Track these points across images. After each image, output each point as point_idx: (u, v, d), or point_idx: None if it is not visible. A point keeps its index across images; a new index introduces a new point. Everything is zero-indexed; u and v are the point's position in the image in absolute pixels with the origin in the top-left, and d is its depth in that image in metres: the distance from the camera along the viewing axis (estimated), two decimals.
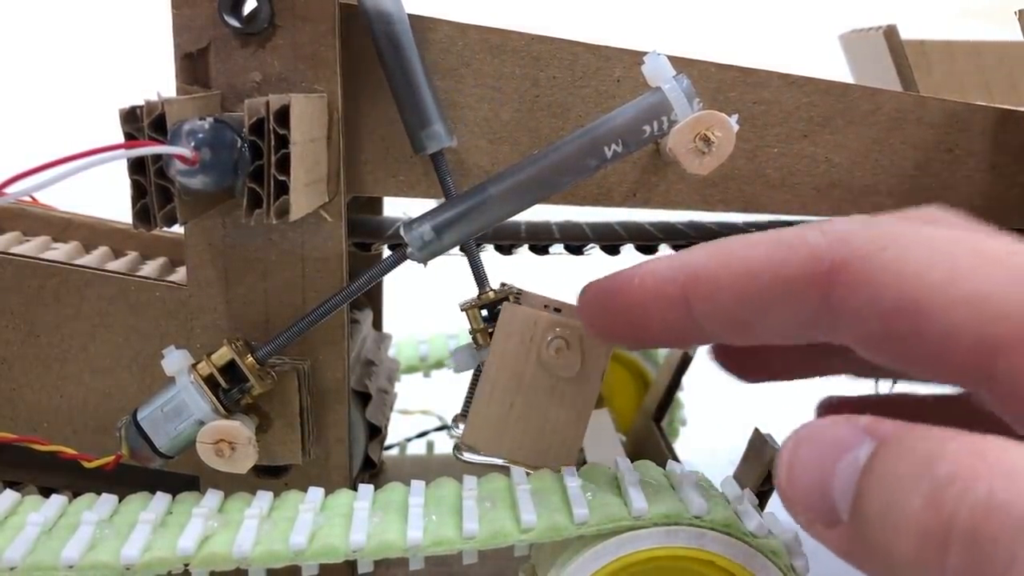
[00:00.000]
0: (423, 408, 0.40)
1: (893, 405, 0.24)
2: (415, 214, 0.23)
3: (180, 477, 0.26)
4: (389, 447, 0.37)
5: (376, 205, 0.35)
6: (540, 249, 0.30)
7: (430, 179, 0.25)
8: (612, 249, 0.29)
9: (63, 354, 0.26)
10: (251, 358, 0.23)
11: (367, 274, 0.24)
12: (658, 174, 0.26)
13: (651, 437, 0.34)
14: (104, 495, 0.24)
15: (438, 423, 0.40)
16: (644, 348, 0.23)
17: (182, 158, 0.20)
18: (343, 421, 0.26)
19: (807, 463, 0.18)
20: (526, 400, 0.24)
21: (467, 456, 0.24)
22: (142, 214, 0.21)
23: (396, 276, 0.26)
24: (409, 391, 0.39)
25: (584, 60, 0.25)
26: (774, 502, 0.26)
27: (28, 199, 0.29)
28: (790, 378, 0.27)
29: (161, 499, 0.24)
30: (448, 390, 0.28)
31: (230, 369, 0.23)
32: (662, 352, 0.38)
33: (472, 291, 0.25)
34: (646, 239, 0.29)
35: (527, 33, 0.25)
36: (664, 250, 0.29)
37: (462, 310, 0.25)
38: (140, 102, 0.21)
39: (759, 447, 0.27)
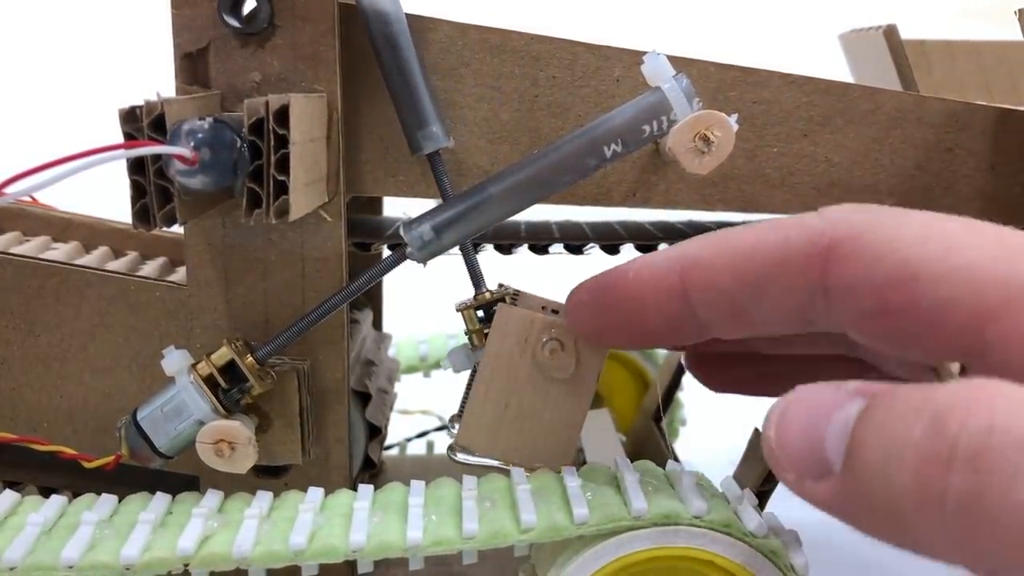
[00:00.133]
0: (423, 408, 0.40)
1: None
2: (415, 214, 0.23)
3: (180, 477, 0.26)
4: (389, 447, 0.37)
5: (376, 205, 0.35)
6: (540, 249, 0.30)
7: (430, 179, 0.25)
8: (612, 249, 0.29)
9: (63, 354, 0.26)
10: (251, 358, 0.23)
11: (367, 274, 0.24)
12: (658, 174, 0.26)
13: (651, 437, 0.34)
14: (104, 495, 0.24)
15: (438, 423, 0.40)
16: (639, 347, 0.23)
17: (182, 158, 0.20)
18: (343, 421, 0.26)
19: (797, 419, 0.18)
20: (521, 402, 0.24)
21: (461, 457, 0.24)
22: (142, 214, 0.21)
23: (396, 276, 0.26)
24: (409, 391, 0.39)
25: (584, 60, 0.25)
26: (774, 502, 0.26)
27: (28, 199, 0.29)
28: (758, 393, 0.27)
29: (161, 499, 0.24)
30: (448, 390, 0.28)
31: (230, 369, 0.23)
32: (662, 352, 0.38)
33: (471, 291, 0.25)
34: (646, 239, 0.29)
35: (527, 33, 0.25)
36: None
37: (458, 311, 0.25)
38: (140, 102, 0.21)
39: (759, 447, 0.27)
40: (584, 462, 0.25)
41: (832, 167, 0.26)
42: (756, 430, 0.27)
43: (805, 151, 0.26)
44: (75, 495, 0.24)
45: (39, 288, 0.25)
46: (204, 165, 0.20)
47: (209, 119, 0.20)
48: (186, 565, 0.22)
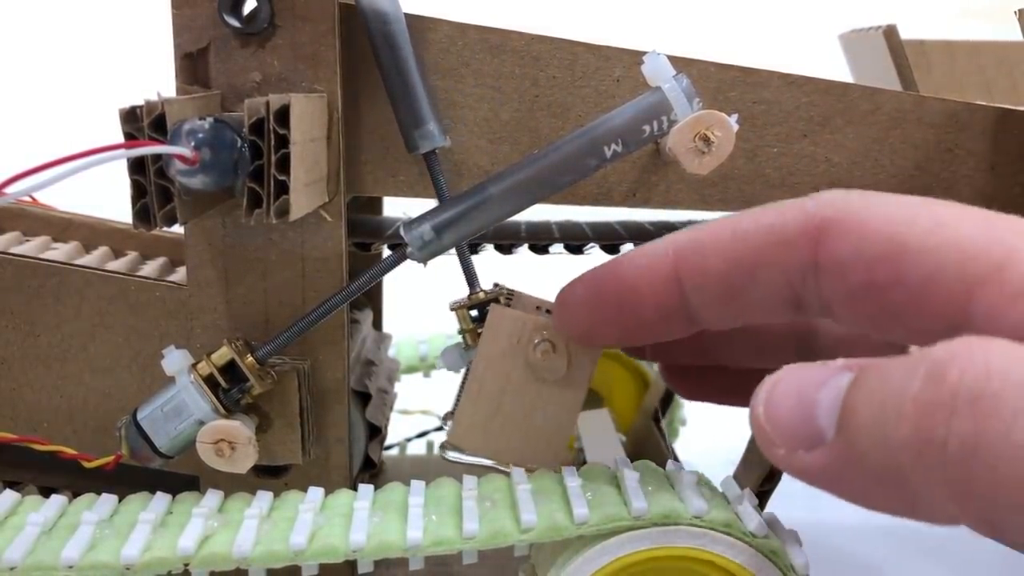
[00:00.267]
0: (423, 408, 0.40)
1: None
2: (415, 214, 0.23)
3: (180, 477, 0.26)
4: (389, 447, 0.37)
5: (376, 205, 0.35)
6: (540, 249, 0.30)
7: (429, 179, 0.25)
8: (612, 249, 0.29)
9: (63, 354, 0.26)
10: (251, 358, 0.23)
11: (367, 274, 0.24)
12: (658, 174, 0.26)
13: (651, 437, 0.34)
14: (104, 495, 0.24)
15: (438, 423, 0.40)
16: (630, 342, 0.23)
17: (182, 158, 0.20)
18: (343, 421, 0.26)
19: (787, 393, 0.18)
20: (512, 402, 0.24)
21: (452, 456, 0.24)
22: (142, 214, 0.21)
23: (396, 276, 0.26)
24: (409, 391, 0.39)
25: (584, 60, 0.25)
26: (774, 502, 0.26)
27: (28, 199, 0.29)
28: (731, 403, 0.28)
29: (161, 499, 0.24)
30: (448, 390, 0.28)
31: (230, 369, 0.23)
32: None
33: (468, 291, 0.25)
34: (646, 239, 0.29)
35: (527, 33, 0.25)
36: None
37: (452, 310, 0.25)
38: (140, 102, 0.21)
39: (759, 447, 0.27)
40: (584, 462, 0.25)
41: (832, 167, 0.26)
42: None
43: (805, 151, 0.26)
44: (75, 495, 0.24)
45: (39, 288, 0.25)
46: (204, 165, 0.20)
47: (209, 119, 0.20)
48: (186, 565, 0.22)
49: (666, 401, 0.36)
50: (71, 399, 0.26)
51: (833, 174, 0.26)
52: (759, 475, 0.26)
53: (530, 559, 0.24)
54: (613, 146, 0.22)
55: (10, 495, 0.24)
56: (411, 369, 0.40)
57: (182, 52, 0.23)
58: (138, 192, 0.21)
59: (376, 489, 0.24)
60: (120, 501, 0.24)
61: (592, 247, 0.30)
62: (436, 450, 0.38)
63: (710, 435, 0.38)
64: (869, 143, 0.26)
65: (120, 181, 0.22)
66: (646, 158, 0.26)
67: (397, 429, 0.37)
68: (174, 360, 0.23)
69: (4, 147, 0.41)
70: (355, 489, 0.24)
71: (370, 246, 0.28)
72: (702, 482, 0.24)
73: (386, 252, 0.29)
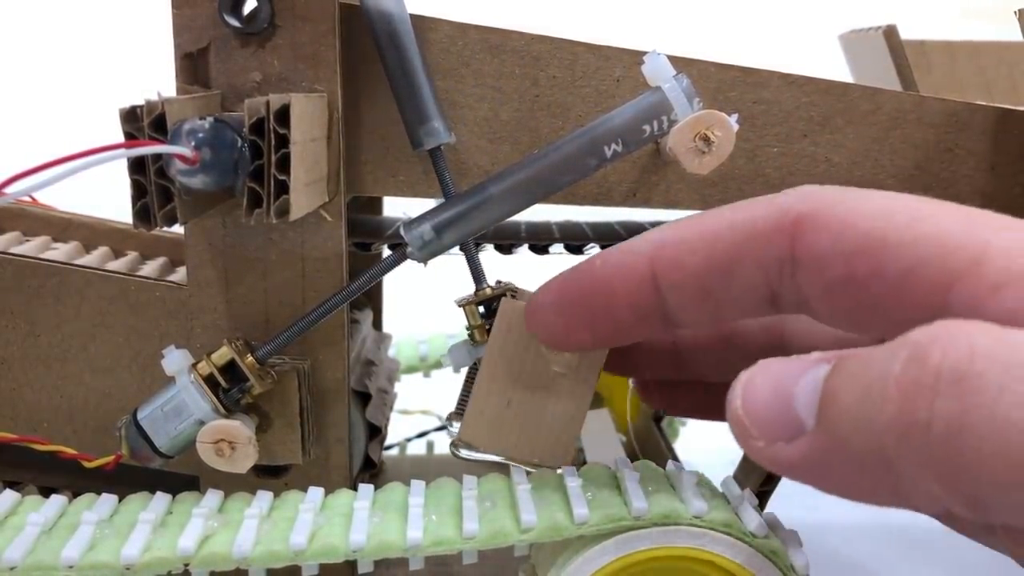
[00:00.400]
0: (423, 408, 0.40)
1: None
2: (415, 214, 0.23)
3: (180, 477, 0.26)
4: (389, 447, 0.37)
5: (376, 205, 0.35)
6: (540, 249, 0.30)
7: (430, 179, 0.25)
8: None
9: (63, 354, 0.26)
10: (251, 358, 0.23)
11: (367, 274, 0.24)
12: (658, 174, 0.26)
13: (651, 437, 0.34)
14: (104, 495, 0.24)
15: (438, 423, 0.40)
16: (605, 343, 0.23)
17: (182, 158, 0.20)
18: (343, 421, 0.26)
19: (764, 386, 0.18)
20: (523, 396, 0.24)
21: (464, 453, 0.24)
22: (142, 214, 0.21)
23: (396, 276, 0.26)
24: (409, 391, 0.39)
25: (584, 60, 0.25)
26: (774, 502, 0.26)
27: (28, 199, 0.29)
28: (704, 417, 0.29)
29: (161, 499, 0.24)
30: (448, 390, 0.28)
31: (230, 369, 0.23)
32: None
33: (469, 290, 0.25)
34: None
35: (527, 33, 0.25)
36: None
37: (459, 306, 0.25)
38: (140, 102, 0.21)
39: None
40: (584, 462, 0.25)
41: (832, 167, 0.26)
42: None
43: (805, 151, 0.26)
44: (75, 495, 0.24)
45: (39, 288, 0.25)
46: (205, 165, 0.20)
47: (210, 119, 0.20)
48: (186, 565, 0.22)
49: None
50: (71, 399, 0.26)
51: (833, 174, 0.26)
52: (759, 475, 0.26)
53: (530, 559, 0.24)
54: (613, 146, 0.22)
55: (10, 495, 0.24)
56: (411, 369, 0.40)
57: (182, 52, 0.23)
58: (138, 192, 0.21)
59: (376, 489, 0.24)
60: (120, 501, 0.24)
61: (592, 247, 0.30)
62: (436, 450, 0.38)
63: (710, 435, 0.38)
64: (869, 143, 0.26)
65: (120, 181, 0.22)
66: (646, 158, 0.26)
67: (397, 429, 0.37)
68: (174, 360, 0.23)
69: (4, 147, 0.41)
70: (355, 489, 0.24)
71: (370, 246, 0.28)
72: (702, 482, 0.24)
73: (386, 252, 0.29)
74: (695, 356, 0.27)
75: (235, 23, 0.23)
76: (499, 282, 0.25)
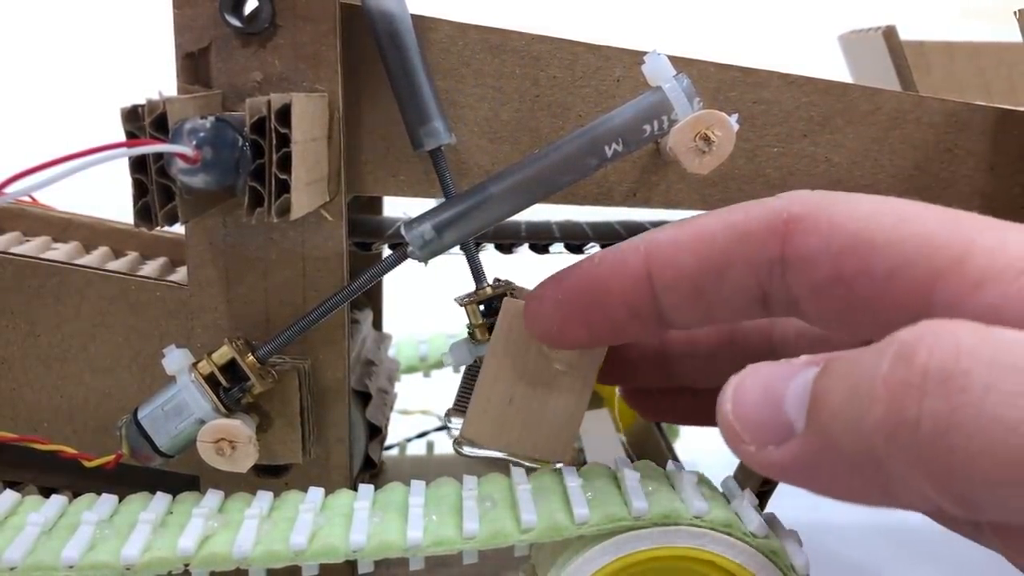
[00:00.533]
0: (423, 408, 0.40)
1: None
2: (415, 214, 0.23)
3: (180, 477, 0.26)
4: (389, 447, 0.37)
5: (376, 205, 0.35)
6: (540, 248, 0.30)
7: (431, 179, 0.25)
8: None
9: (63, 354, 0.26)
10: (252, 357, 0.23)
11: (367, 273, 0.24)
12: (658, 173, 0.26)
13: (651, 437, 0.34)
14: (104, 495, 0.24)
15: (438, 423, 0.39)
16: (599, 342, 0.23)
17: (184, 157, 0.20)
18: (343, 421, 0.26)
19: (753, 389, 0.18)
20: (525, 393, 0.24)
21: (467, 450, 0.24)
22: (143, 213, 0.21)
23: (396, 276, 0.26)
24: (409, 391, 0.39)
25: (584, 60, 0.25)
26: (774, 502, 0.26)
27: (28, 199, 0.29)
28: (692, 422, 0.29)
29: (161, 499, 0.24)
30: (448, 390, 0.28)
31: (231, 368, 0.23)
32: None
33: (469, 290, 0.25)
34: None
35: (527, 33, 0.25)
36: None
37: (460, 305, 0.25)
38: (142, 101, 0.21)
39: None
40: (584, 462, 0.25)
41: (832, 167, 0.26)
42: None
43: (805, 151, 0.26)
44: (75, 495, 0.24)
45: (39, 288, 0.25)
46: (206, 164, 0.20)
47: (211, 118, 0.20)
48: (186, 565, 0.22)
49: None
50: (71, 399, 0.26)
51: (833, 174, 0.26)
52: (759, 475, 0.26)
53: (530, 559, 0.24)
54: (613, 146, 0.22)
55: (10, 495, 0.24)
56: (411, 369, 0.40)
57: (183, 52, 0.23)
58: (139, 191, 0.21)
59: (376, 489, 0.24)
60: (120, 501, 0.24)
61: (592, 247, 0.30)
62: (436, 450, 0.38)
63: (710, 435, 0.38)
64: (869, 143, 0.26)
65: (120, 181, 0.22)
66: (646, 158, 0.26)
67: (397, 429, 0.37)
68: (175, 359, 0.23)
69: (4, 147, 0.41)
70: (355, 489, 0.24)
71: (370, 246, 0.28)
72: (702, 482, 0.24)
73: (386, 252, 0.29)
74: (684, 362, 0.28)
75: (236, 23, 0.23)
76: (498, 281, 0.25)
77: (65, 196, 0.25)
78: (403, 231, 0.23)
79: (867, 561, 0.33)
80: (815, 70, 0.26)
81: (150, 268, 0.28)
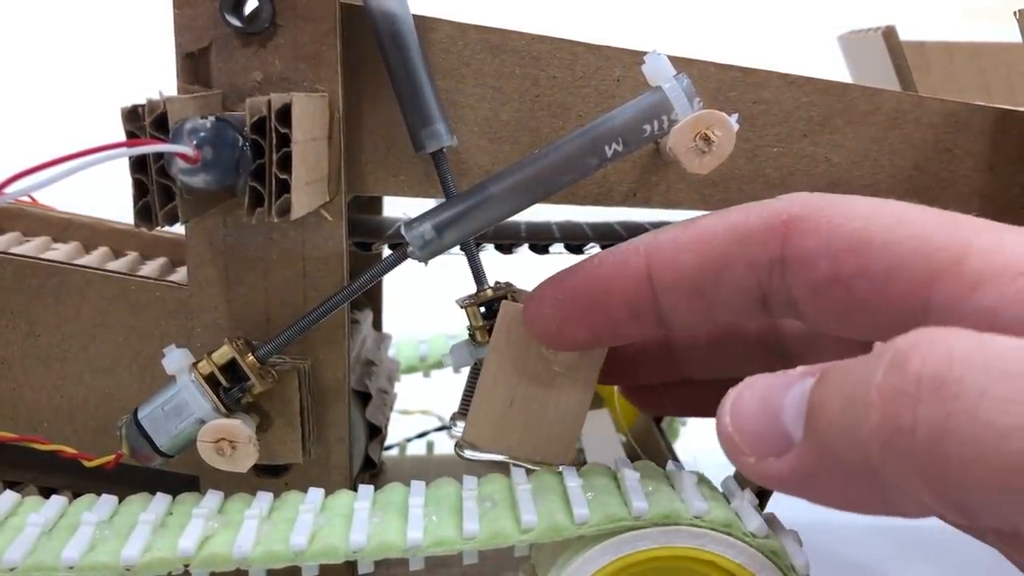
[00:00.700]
0: (423, 408, 0.40)
1: None
2: (415, 214, 0.23)
3: (180, 477, 0.26)
4: (389, 447, 0.37)
5: (376, 205, 0.35)
6: (540, 249, 0.30)
7: (431, 179, 0.25)
8: None
9: (63, 354, 0.26)
10: (252, 357, 0.23)
11: (368, 273, 0.24)
12: (658, 173, 0.26)
13: (651, 437, 0.34)
14: (104, 495, 0.24)
15: (438, 423, 0.40)
16: (599, 342, 0.23)
17: (184, 156, 0.20)
18: (343, 421, 0.26)
19: (752, 401, 0.18)
20: (525, 396, 0.24)
21: (468, 454, 0.24)
22: (144, 213, 0.21)
23: (396, 276, 0.26)
24: (409, 391, 0.39)
25: (584, 60, 0.25)
26: (774, 502, 0.26)
27: (28, 199, 0.29)
28: (691, 414, 0.29)
29: (161, 500, 0.24)
30: (448, 390, 0.28)
31: (231, 368, 0.23)
32: None
33: (469, 290, 0.25)
34: None
35: (527, 33, 0.25)
36: None
37: (461, 307, 0.25)
38: (142, 101, 0.21)
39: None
40: (584, 462, 0.25)
41: (832, 167, 0.26)
42: None
43: (805, 151, 0.26)
44: (75, 495, 0.24)
45: (39, 288, 0.25)
46: (206, 164, 0.20)
47: (211, 118, 0.20)
48: (186, 565, 0.22)
49: None
50: (71, 399, 0.26)
51: (833, 174, 0.26)
52: None
53: (530, 559, 0.24)
54: (614, 145, 0.22)
55: (10, 495, 0.24)
56: (411, 369, 0.40)
57: (184, 52, 0.23)
58: (140, 191, 0.21)
59: (376, 489, 0.24)
60: (120, 501, 0.24)
61: (592, 247, 0.30)
62: (436, 450, 0.38)
63: (710, 435, 0.38)
64: (868, 143, 0.26)
65: (120, 181, 0.22)
66: (646, 158, 0.26)
67: (397, 429, 0.37)
68: (175, 359, 0.23)
69: (4, 147, 0.41)
70: (355, 489, 0.24)
71: (370, 246, 0.28)
72: (702, 482, 0.24)
73: (386, 252, 0.29)
74: (686, 354, 0.28)
75: (236, 23, 0.23)
76: (498, 283, 0.25)
77: (65, 196, 0.25)
78: (403, 231, 0.23)
79: (867, 561, 0.33)
80: (815, 70, 0.26)
81: (150, 268, 0.28)
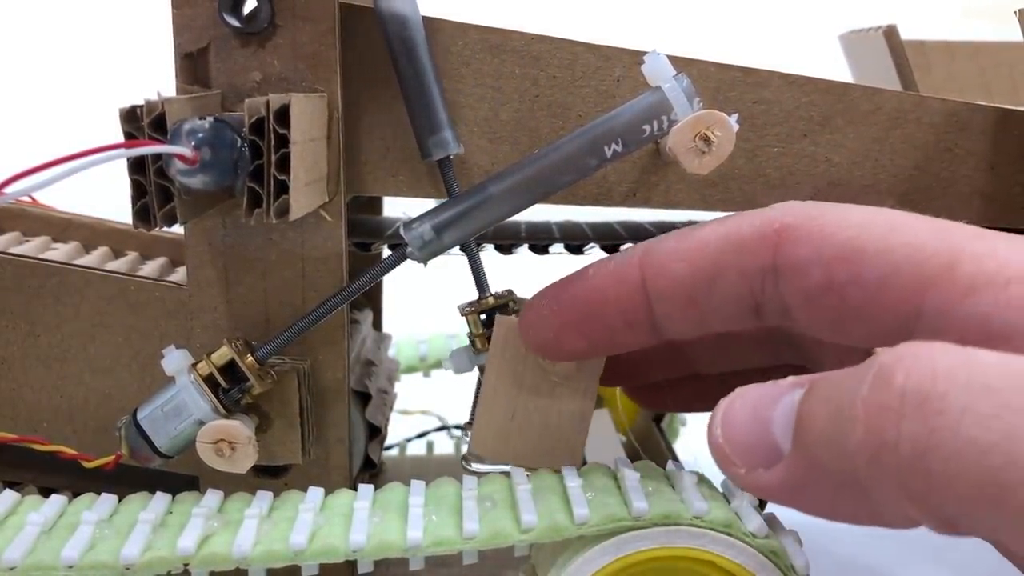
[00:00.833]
0: (423, 408, 0.40)
1: None
2: (415, 214, 0.23)
3: (180, 477, 0.26)
4: (389, 447, 0.37)
5: (376, 205, 0.35)
6: (540, 249, 0.30)
7: (430, 179, 0.25)
8: (612, 249, 0.29)
9: (63, 354, 0.26)
10: (251, 358, 0.23)
11: (367, 274, 0.24)
12: (658, 174, 0.26)
13: (651, 437, 0.34)
14: (104, 495, 0.24)
15: (438, 423, 0.40)
16: (595, 352, 0.23)
17: (182, 157, 0.20)
18: (343, 421, 0.26)
19: (742, 413, 0.19)
20: (526, 407, 0.24)
21: (476, 466, 0.25)
22: (142, 213, 0.21)
23: (396, 276, 0.26)
24: (409, 391, 0.39)
25: (584, 60, 0.25)
26: (774, 503, 0.26)
27: (28, 199, 0.29)
28: (694, 409, 0.30)
29: (161, 499, 0.24)
30: (448, 390, 0.28)
31: (230, 369, 0.23)
32: None
33: (470, 291, 0.25)
34: (646, 239, 0.29)
35: (527, 33, 0.25)
36: None
37: (462, 315, 0.25)
38: (140, 102, 0.21)
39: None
40: (584, 462, 0.25)
41: (832, 167, 0.26)
42: None
43: (805, 151, 0.26)
44: (75, 495, 0.24)
45: (39, 288, 0.25)
46: (205, 164, 0.20)
47: (210, 118, 0.20)
48: (186, 565, 0.22)
49: None
50: (71, 399, 0.26)
51: (833, 174, 0.26)
52: None
53: (530, 559, 0.24)
54: (613, 146, 0.22)
55: (10, 495, 0.24)
56: (411, 369, 0.40)
57: (182, 52, 0.23)
58: (138, 192, 0.21)
59: (376, 489, 0.24)
60: (120, 501, 0.24)
61: (592, 247, 0.30)
62: (436, 450, 0.38)
63: None
64: (869, 143, 0.26)
65: (120, 181, 0.22)
66: (646, 158, 0.26)
67: (397, 429, 0.37)
68: (174, 360, 0.23)
69: (4, 147, 0.41)
70: (355, 489, 0.24)
71: (370, 246, 0.28)
72: (702, 482, 0.24)
73: (386, 252, 0.29)
74: (697, 348, 0.28)
75: (235, 23, 0.23)
76: (499, 293, 0.25)
77: (65, 196, 0.25)
78: (402, 232, 0.23)
79: (867, 561, 0.33)
80: (815, 70, 0.26)
81: (149, 268, 0.28)
